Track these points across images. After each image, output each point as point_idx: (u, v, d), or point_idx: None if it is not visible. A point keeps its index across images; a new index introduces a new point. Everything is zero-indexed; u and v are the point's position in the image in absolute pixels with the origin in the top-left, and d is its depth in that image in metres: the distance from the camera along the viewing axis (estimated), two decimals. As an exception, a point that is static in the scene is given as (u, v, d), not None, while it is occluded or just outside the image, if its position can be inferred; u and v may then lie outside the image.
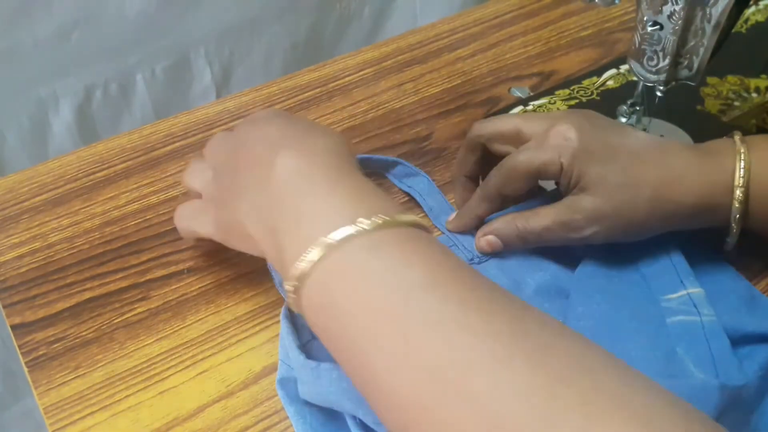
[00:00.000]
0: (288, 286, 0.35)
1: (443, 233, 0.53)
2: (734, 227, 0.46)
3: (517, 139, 0.48)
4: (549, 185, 0.54)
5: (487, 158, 0.51)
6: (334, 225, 0.34)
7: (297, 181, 0.37)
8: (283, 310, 0.45)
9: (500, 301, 0.31)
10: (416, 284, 0.31)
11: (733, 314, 0.46)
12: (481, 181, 0.51)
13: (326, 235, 0.34)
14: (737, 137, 0.46)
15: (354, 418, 0.40)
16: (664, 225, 0.46)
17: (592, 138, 0.46)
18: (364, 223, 0.33)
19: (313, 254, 0.34)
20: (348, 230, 0.33)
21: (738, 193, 0.44)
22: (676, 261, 0.47)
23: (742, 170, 0.44)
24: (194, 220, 0.46)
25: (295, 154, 0.38)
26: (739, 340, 0.45)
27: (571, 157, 0.45)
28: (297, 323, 0.45)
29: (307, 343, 0.44)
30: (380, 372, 0.31)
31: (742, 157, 0.45)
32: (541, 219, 0.46)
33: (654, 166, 0.45)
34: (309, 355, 0.41)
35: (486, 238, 0.48)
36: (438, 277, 0.32)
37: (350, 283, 0.33)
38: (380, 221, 0.34)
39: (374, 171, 0.58)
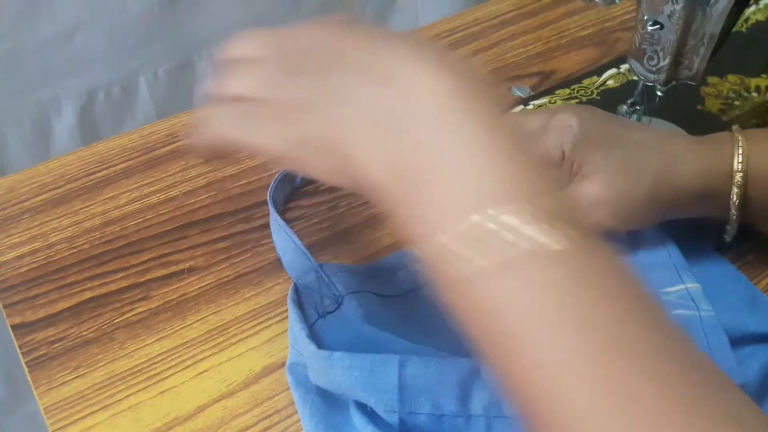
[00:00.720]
0: (419, 252, 0.30)
1: None
2: (734, 213, 0.46)
3: None
4: None
5: None
6: (492, 201, 0.28)
7: (449, 119, 0.29)
8: (290, 293, 0.45)
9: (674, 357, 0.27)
10: (590, 319, 0.26)
11: (734, 314, 0.46)
12: None
13: (483, 214, 0.27)
14: (735, 128, 0.47)
15: (363, 407, 0.41)
16: (665, 211, 0.46)
17: (592, 126, 0.46)
18: (530, 214, 0.27)
19: (463, 235, 0.28)
20: (510, 219, 0.27)
21: (737, 178, 0.45)
22: (674, 256, 0.47)
23: (740, 156, 0.45)
24: (245, 127, 0.34)
25: (442, 74, 0.30)
26: (741, 340, 0.45)
27: (572, 143, 0.45)
28: (304, 304, 0.45)
29: (315, 323, 0.45)
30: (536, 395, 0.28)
31: (740, 144, 0.45)
32: None
33: (655, 153, 0.45)
34: (316, 336, 0.42)
35: None
36: (613, 312, 0.27)
37: (506, 287, 0.28)
38: (551, 217, 0.27)
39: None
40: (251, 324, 0.48)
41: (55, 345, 0.47)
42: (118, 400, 0.44)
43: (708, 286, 0.47)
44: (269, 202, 0.52)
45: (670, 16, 0.49)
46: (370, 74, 0.31)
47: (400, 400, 0.39)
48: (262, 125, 0.34)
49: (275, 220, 0.51)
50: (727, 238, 0.48)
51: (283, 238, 0.50)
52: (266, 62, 0.35)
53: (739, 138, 0.45)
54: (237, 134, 0.35)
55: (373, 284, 0.48)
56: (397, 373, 0.40)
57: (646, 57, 0.52)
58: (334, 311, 0.45)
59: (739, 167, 0.44)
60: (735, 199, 0.45)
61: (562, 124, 0.46)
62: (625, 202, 0.44)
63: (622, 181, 0.44)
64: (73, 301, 0.50)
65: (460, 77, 0.30)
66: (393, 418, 0.39)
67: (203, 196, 0.57)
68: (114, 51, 0.85)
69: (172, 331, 0.48)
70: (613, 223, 0.45)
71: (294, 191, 0.57)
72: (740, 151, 0.45)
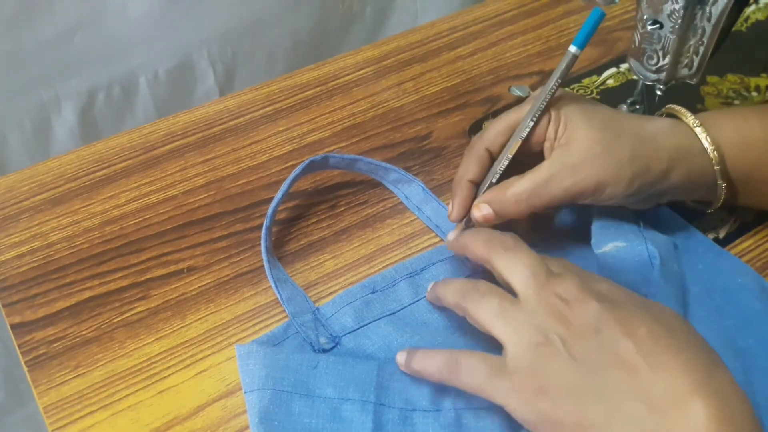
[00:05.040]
0: None
1: (443, 240, 0.53)
2: (721, 183, 0.48)
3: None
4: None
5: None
6: None
7: None
8: (275, 333, 0.46)
9: None
10: None
11: (744, 312, 0.46)
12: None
13: None
14: (687, 118, 0.49)
15: (365, 402, 0.42)
16: (650, 175, 0.46)
17: (574, 97, 0.49)
18: None
19: None
20: None
21: (713, 154, 0.47)
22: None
23: (707, 139, 0.47)
24: (477, 372, 0.39)
25: (710, 404, 0.33)
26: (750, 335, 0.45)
27: (560, 109, 0.47)
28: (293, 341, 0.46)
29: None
30: None
31: (696, 123, 0.48)
32: (529, 177, 0.46)
33: (633, 118, 0.48)
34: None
35: (477, 207, 0.48)
36: None
37: None
38: None
39: (367, 176, 0.58)
40: (251, 323, 0.48)
41: (55, 344, 0.47)
42: (118, 400, 0.44)
43: (717, 281, 0.48)
44: (263, 252, 0.51)
45: (669, 16, 0.49)
46: (648, 402, 0.34)
47: (376, 392, 0.42)
48: (497, 380, 0.38)
49: (271, 267, 0.50)
50: (711, 209, 0.50)
51: (280, 275, 0.50)
52: (530, 319, 0.39)
53: (694, 126, 0.48)
54: (467, 373, 0.40)
55: (375, 302, 0.48)
56: (376, 371, 0.43)
57: (645, 56, 0.52)
58: (330, 350, 0.46)
59: (710, 147, 0.47)
60: (716, 164, 0.47)
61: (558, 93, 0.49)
62: (610, 156, 0.45)
63: (606, 136, 0.45)
64: (73, 300, 0.50)
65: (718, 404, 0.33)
66: (368, 409, 0.41)
67: (202, 196, 0.57)
68: (114, 51, 0.85)
69: (171, 330, 0.48)
70: (601, 179, 0.45)
71: (293, 191, 0.57)
72: (704, 135, 0.47)
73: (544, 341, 0.37)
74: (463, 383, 0.40)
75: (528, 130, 0.47)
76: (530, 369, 0.37)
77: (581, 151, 0.45)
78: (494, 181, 0.48)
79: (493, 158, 0.49)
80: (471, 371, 0.39)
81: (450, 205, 0.50)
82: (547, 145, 0.48)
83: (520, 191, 0.46)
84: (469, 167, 0.49)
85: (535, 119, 0.47)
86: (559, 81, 0.47)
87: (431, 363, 0.41)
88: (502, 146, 0.49)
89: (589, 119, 0.46)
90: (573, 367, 0.36)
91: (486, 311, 0.40)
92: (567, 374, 0.36)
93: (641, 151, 0.45)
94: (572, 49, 0.46)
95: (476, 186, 0.49)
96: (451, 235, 0.48)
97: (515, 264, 0.41)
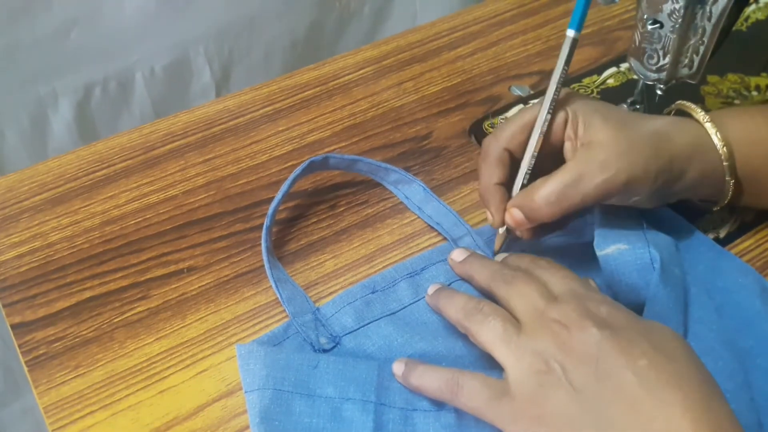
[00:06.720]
0: None
1: (447, 240, 0.53)
2: (729, 180, 0.48)
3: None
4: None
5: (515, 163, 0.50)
6: None
7: None
8: (275, 332, 0.46)
9: None
10: None
11: (745, 311, 0.46)
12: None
13: None
14: (686, 106, 0.50)
15: (365, 402, 0.42)
16: (667, 173, 0.46)
17: (584, 97, 0.49)
18: None
19: None
20: None
21: (722, 150, 0.47)
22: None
23: (717, 135, 0.47)
24: (478, 396, 0.39)
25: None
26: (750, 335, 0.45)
27: (574, 105, 0.47)
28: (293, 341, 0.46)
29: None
30: None
31: (708, 125, 0.48)
32: (557, 178, 0.45)
33: (648, 117, 0.48)
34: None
35: (509, 212, 0.47)
36: None
37: None
38: None
39: (367, 176, 0.58)
40: (251, 323, 0.48)
41: (55, 344, 0.47)
42: (118, 400, 0.44)
43: (718, 280, 0.48)
44: (264, 252, 0.51)
45: (669, 15, 0.49)
46: (634, 414, 0.35)
47: (377, 391, 0.42)
48: (492, 399, 0.39)
49: (271, 267, 0.50)
50: (717, 207, 0.50)
51: (280, 275, 0.50)
52: (530, 342, 0.39)
53: (704, 122, 0.48)
54: (463, 393, 0.40)
55: (375, 302, 0.48)
56: (377, 371, 0.43)
57: (645, 56, 0.52)
58: (330, 350, 0.46)
59: (719, 144, 0.47)
60: (725, 160, 0.47)
61: (565, 92, 0.48)
62: (637, 152, 0.45)
63: (627, 134, 0.45)
64: (73, 300, 0.50)
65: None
66: (368, 409, 0.41)
67: (202, 196, 0.57)
68: (110, 46, 0.85)
69: (171, 330, 0.48)
70: (631, 175, 0.44)
71: (293, 191, 0.57)
72: (714, 131, 0.47)
73: (546, 369, 0.37)
74: (462, 404, 0.40)
75: (547, 123, 0.47)
76: (531, 396, 0.37)
77: (607, 148, 0.45)
78: (525, 182, 0.48)
79: (514, 158, 0.49)
80: (472, 394, 0.39)
81: (488, 214, 0.49)
82: (568, 145, 0.47)
83: (548, 193, 0.45)
84: (493, 171, 0.48)
85: (551, 111, 0.47)
86: (566, 68, 0.46)
87: (431, 381, 0.41)
88: (522, 145, 0.48)
89: (606, 119, 0.46)
90: (573, 397, 0.36)
91: (489, 334, 0.40)
92: (567, 404, 0.36)
93: (662, 148, 0.45)
94: (570, 33, 0.46)
95: (505, 188, 0.49)
96: (455, 255, 0.49)
97: (516, 294, 0.41)
